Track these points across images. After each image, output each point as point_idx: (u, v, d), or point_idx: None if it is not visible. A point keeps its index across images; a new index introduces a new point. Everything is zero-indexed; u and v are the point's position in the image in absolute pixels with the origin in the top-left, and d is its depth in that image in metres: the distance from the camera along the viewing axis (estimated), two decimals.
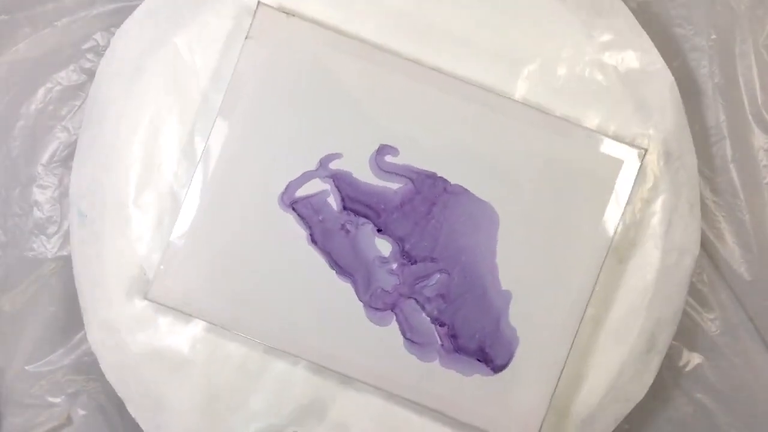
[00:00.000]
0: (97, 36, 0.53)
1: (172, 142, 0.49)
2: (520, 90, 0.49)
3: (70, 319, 0.52)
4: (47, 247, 0.53)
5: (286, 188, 0.48)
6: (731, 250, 0.54)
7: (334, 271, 0.48)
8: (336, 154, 0.48)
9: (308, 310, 0.48)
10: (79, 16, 0.53)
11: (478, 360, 0.48)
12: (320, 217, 0.48)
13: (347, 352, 0.48)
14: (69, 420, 0.53)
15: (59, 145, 0.53)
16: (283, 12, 0.47)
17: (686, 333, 0.54)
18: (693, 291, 0.54)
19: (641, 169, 0.47)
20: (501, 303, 0.48)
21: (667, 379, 0.54)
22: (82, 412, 0.53)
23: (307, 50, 0.48)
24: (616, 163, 0.48)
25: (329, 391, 0.49)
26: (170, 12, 0.49)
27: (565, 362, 0.47)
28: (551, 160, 0.48)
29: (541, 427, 0.47)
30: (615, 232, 0.47)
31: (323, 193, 0.48)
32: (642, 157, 0.47)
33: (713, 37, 0.54)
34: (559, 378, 0.47)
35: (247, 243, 0.48)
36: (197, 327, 0.49)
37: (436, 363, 0.48)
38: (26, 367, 0.53)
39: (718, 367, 0.54)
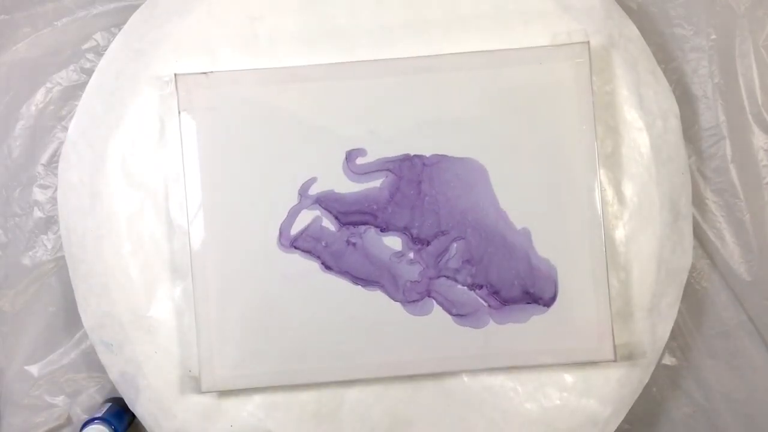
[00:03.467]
0: (97, 36, 0.53)
1: (157, 235, 0.49)
2: (451, 45, 0.49)
3: (70, 318, 0.52)
4: (47, 247, 0.53)
5: (280, 232, 0.48)
6: (731, 250, 0.54)
7: (359, 286, 0.48)
8: (311, 179, 0.48)
9: (352, 331, 0.48)
10: (79, 16, 0.53)
11: (528, 303, 0.48)
12: (323, 243, 0.48)
13: (404, 353, 0.48)
14: (69, 420, 0.53)
15: (59, 145, 0.53)
16: (201, 73, 0.48)
17: (686, 333, 0.54)
18: (692, 291, 0.54)
19: (591, 61, 0.48)
20: (523, 242, 0.48)
21: (667, 379, 0.54)
22: (81, 412, 0.53)
23: (239, 96, 0.48)
24: (567, 66, 0.48)
25: (403, 393, 0.49)
26: (98, 129, 0.49)
27: (607, 266, 0.48)
28: (508, 94, 0.48)
29: (612, 335, 0.48)
30: (596, 130, 0.48)
31: (316, 220, 0.48)
32: (587, 49, 0.48)
33: (713, 37, 0.54)
34: (608, 282, 0.48)
35: (267, 298, 0.48)
36: (262, 395, 0.49)
37: (491, 324, 0.48)
38: (26, 367, 0.53)
39: (718, 367, 0.54)
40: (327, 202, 0.48)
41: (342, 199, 0.48)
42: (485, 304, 0.48)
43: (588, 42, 0.48)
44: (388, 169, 0.48)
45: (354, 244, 0.48)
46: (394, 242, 0.48)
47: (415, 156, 0.48)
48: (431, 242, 0.48)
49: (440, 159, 0.48)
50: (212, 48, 0.49)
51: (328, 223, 0.48)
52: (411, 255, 0.48)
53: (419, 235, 0.48)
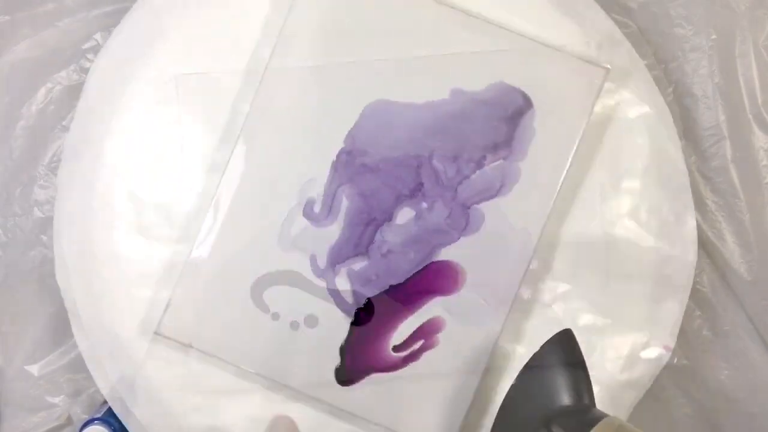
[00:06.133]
0: (97, 36, 0.53)
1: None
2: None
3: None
4: (48, 246, 0.53)
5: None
6: (731, 250, 0.54)
7: None
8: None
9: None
10: (79, 16, 0.53)
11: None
12: None
13: None
14: (69, 420, 0.53)
15: (60, 145, 0.53)
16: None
17: (686, 333, 0.54)
18: (693, 291, 0.54)
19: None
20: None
21: (667, 379, 0.54)
22: (81, 412, 0.53)
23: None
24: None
25: None
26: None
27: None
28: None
29: None
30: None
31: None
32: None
33: (713, 37, 0.53)
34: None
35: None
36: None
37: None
38: (26, 367, 0.53)
39: (718, 367, 0.54)
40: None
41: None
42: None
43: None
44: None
45: None
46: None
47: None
48: None
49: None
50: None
51: None
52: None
53: None
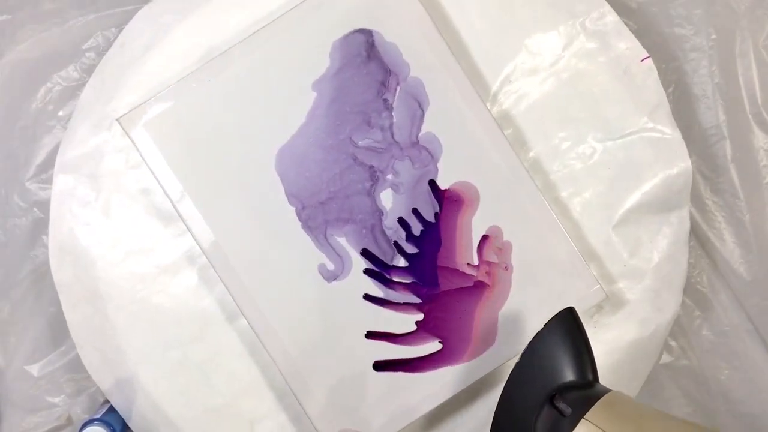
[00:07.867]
0: (98, 36, 0.53)
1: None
2: None
3: None
4: (47, 247, 0.53)
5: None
6: (731, 250, 0.54)
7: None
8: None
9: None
10: (80, 16, 0.53)
11: None
12: None
13: None
14: (69, 420, 0.53)
15: (59, 144, 0.52)
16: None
17: (686, 333, 0.54)
18: (692, 291, 0.54)
19: None
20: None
21: (667, 379, 0.54)
22: (81, 412, 0.53)
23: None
24: None
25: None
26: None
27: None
28: None
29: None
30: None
31: None
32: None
33: (713, 37, 0.54)
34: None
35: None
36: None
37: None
38: (26, 367, 0.53)
39: (718, 367, 0.54)
40: None
41: None
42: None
43: None
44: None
45: None
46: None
47: None
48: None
49: None
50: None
51: None
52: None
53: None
